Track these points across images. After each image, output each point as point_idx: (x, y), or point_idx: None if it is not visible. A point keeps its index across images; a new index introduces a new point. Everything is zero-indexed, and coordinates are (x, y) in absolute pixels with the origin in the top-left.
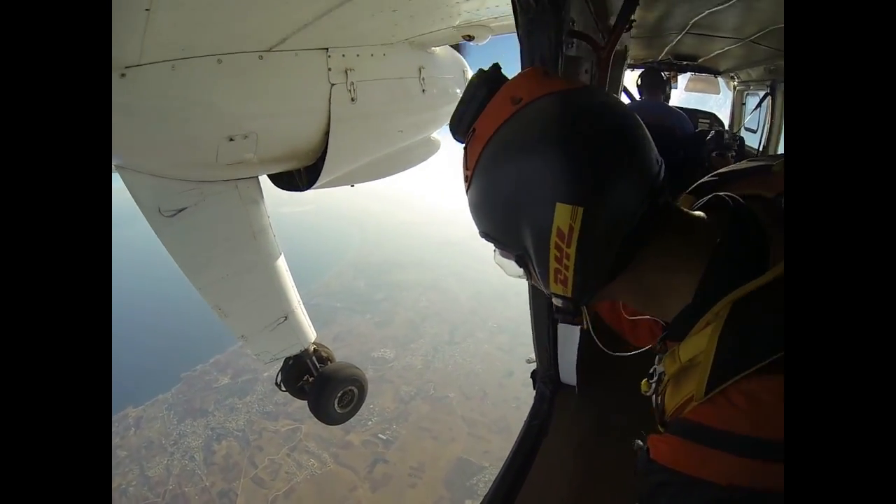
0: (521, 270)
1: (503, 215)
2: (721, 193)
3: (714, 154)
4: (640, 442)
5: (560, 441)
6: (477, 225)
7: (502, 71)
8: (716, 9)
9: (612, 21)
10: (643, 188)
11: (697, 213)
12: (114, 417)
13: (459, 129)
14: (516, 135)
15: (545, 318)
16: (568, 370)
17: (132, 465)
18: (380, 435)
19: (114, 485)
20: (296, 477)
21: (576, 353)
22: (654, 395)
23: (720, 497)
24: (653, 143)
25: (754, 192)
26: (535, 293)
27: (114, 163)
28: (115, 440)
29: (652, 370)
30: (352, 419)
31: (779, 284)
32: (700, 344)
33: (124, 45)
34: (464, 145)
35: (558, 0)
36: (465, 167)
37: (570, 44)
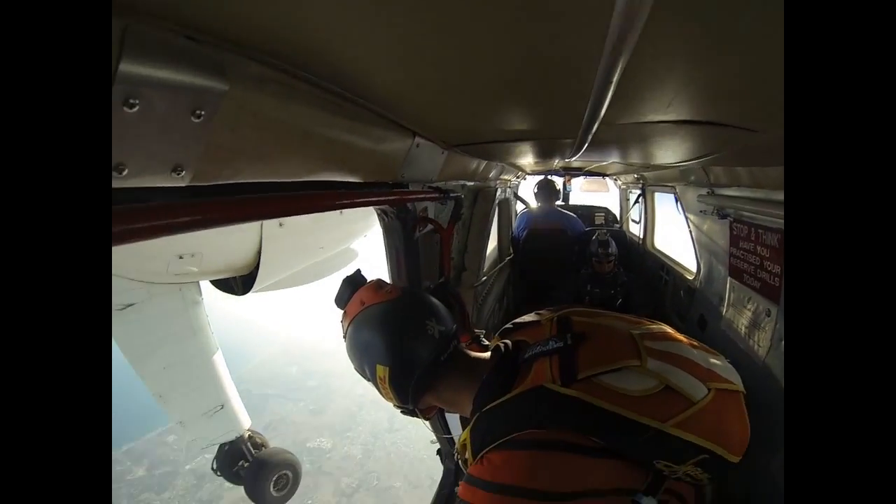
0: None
1: (357, 362)
2: (502, 341)
3: (594, 260)
4: (458, 488)
5: None
6: (351, 363)
7: (362, 272)
8: (575, 158)
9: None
10: (426, 353)
11: (484, 354)
12: None
13: (339, 306)
14: (361, 324)
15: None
16: None
17: None
18: None
19: None
20: None
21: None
22: (459, 460)
23: None
24: (436, 323)
25: (523, 339)
26: None
27: None
28: None
29: (454, 448)
30: None
31: (504, 402)
32: (465, 436)
33: None
34: (341, 316)
35: (402, 214)
36: (342, 329)
37: (424, 226)
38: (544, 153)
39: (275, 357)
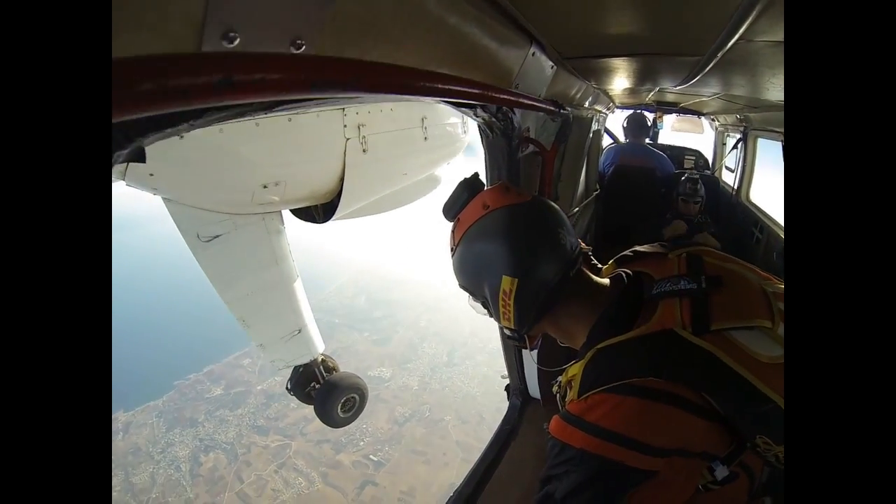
0: (485, 311)
1: (473, 277)
2: (623, 270)
3: (680, 199)
4: (548, 423)
5: (526, 443)
6: (457, 280)
7: (479, 176)
8: (682, 86)
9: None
10: (557, 268)
11: (604, 280)
12: None
13: (449, 215)
14: (484, 230)
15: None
16: (535, 386)
17: (117, 470)
18: (371, 456)
19: None
20: (282, 495)
21: (536, 372)
22: (558, 395)
23: (575, 455)
24: (566, 234)
25: (647, 271)
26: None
27: (163, 196)
28: None
29: (557, 379)
30: (344, 438)
31: (627, 341)
32: (576, 370)
33: None
34: (452, 226)
35: (508, 131)
36: (452, 241)
37: (526, 146)
38: (651, 76)
39: (345, 287)
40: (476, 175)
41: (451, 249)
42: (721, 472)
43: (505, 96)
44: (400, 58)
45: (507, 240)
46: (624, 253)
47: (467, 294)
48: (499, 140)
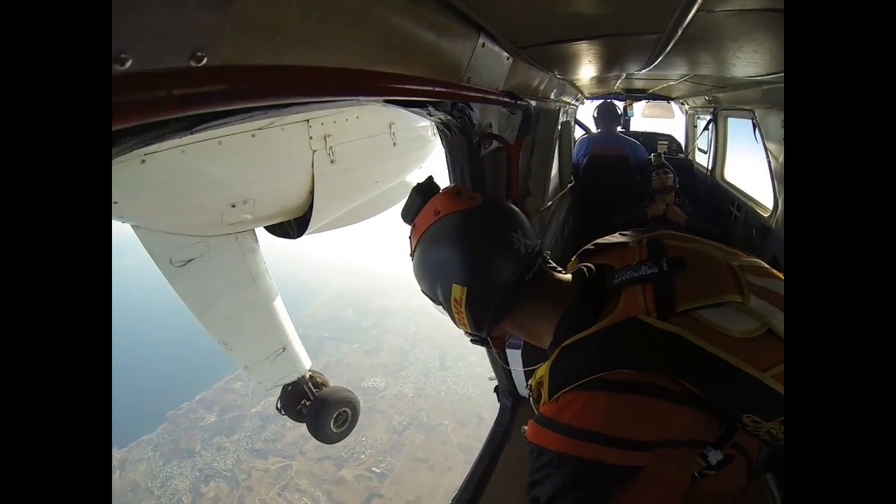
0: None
1: (429, 283)
2: (584, 265)
3: (654, 175)
4: (525, 428)
5: (520, 446)
6: (418, 284)
7: (434, 180)
8: (647, 69)
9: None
10: (508, 272)
11: (566, 276)
12: None
13: (406, 220)
14: (435, 236)
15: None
16: (523, 386)
17: None
18: (373, 468)
19: None
20: None
21: (524, 372)
22: (530, 398)
23: (553, 459)
24: (521, 237)
25: (609, 263)
26: None
27: (131, 224)
28: None
29: (527, 383)
30: (344, 453)
31: (591, 335)
32: (543, 371)
33: None
34: (409, 232)
35: (467, 128)
36: (410, 247)
37: (489, 143)
38: (615, 61)
39: (331, 300)
40: (430, 179)
41: (410, 255)
42: (714, 456)
43: (453, 90)
44: (321, 59)
45: (455, 247)
46: (586, 247)
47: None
48: (458, 139)
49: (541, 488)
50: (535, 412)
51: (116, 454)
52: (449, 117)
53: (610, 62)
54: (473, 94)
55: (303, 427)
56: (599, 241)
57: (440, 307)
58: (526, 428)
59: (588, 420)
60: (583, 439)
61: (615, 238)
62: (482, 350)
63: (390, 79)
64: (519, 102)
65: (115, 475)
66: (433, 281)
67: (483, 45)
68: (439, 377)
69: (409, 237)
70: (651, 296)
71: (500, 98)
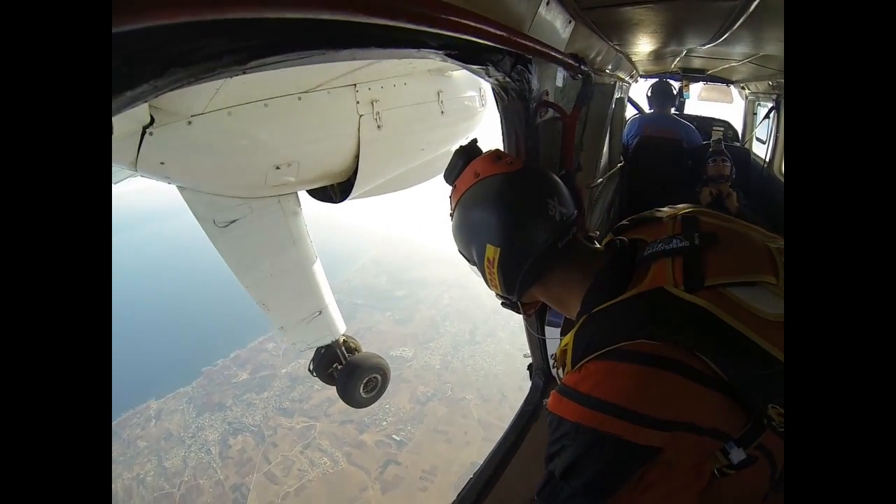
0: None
1: (465, 243)
2: (617, 238)
3: (710, 161)
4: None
5: (547, 425)
6: (455, 244)
7: (477, 142)
8: (710, 45)
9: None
10: (543, 238)
11: (598, 247)
12: (135, 410)
13: (448, 181)
14: (473, 198)
15: (534, 319)
16: None
17: (151, 455)
18: (394, 436)
19: (132, 474)
20: (307, 475)
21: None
22: (554, 368)
23: (570, 429)
24: (557, 204)
25: (641, 237)
26: None
27: (176, 185)
28: (136, 431)
29: (552, 353)
30: (367, 419)
31: (615, 304)
32: (568, 340)
33: (192, 102)
34: (450, 192)
35: (524, 93)
36: (450, 208)
37: (545, 111)
38: (680, 32)
39: (366, 267)
40: (473, 141)
41: (450, 216)
42: (736, 454)
43: (524, 41)
44: None
45: (492, 209)
46: (621, 222)
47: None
48: (515, 103)
49: (556, 461)
50: (558, 382)
51: (153, 404)
52: (507, 79)
53: (673, 33)
54: (539, 47)
55: (329, 390)
56: (635, 216)
57: (474, 268)
58: (546, 401)
59: (608, 391)
60: (601, 411)
61: (650, 214)
62: (512, 327)
63: (455, 11)
64: (583, 67)
65: (151, 424)
66: (469, 241)
67: (548, 2)
68: (467, 351)
69: (450, 197)
70: (679, 267)
71: (566, 59)
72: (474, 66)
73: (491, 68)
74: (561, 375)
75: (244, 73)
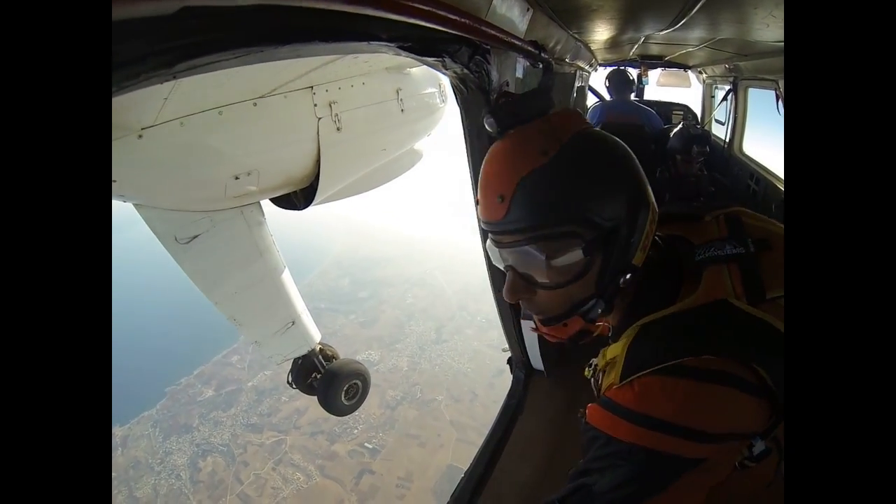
0: (542, 260)
1: (573, 203)
2: (656, 234)
3: (679, 158)
4: (583, 410)
5: (534, 417)
6: (533, 217)
7: None
8: (667, 30)
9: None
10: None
11: None
12: None
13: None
14: (610, 145)
15: (509, 312)
16: (536, 357)
17: (121, 486)
18: (366, 444)
19: None
20: (282, 492)
21: (537, 343)
22: (592, 379)
23: (623, 450)
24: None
25: (683, 235)
26: (497, 289)
27: (133, 202)
28: None
29: (591, 362)
30: (337, 428)
31: (675, 315)
32: (618, 350)
33: (140, 114)
34: (532, 129)
35: (484, 85)
36: (541, 152)
37: None
38: (638, 19)
39: (328, 270)
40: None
41: (544, 154)
42: (759, 447)
43: (483, 27)
44: None
45: (634, 169)
46: None
47: (492, 243)
48: (475, 96)
49: (598, 477)
50: (596, 393)
51: (118, 431)
52: (466, 70)
53: (631, 19)
54: (498, 34)
55: (297, 402)
56: (668, 209)
57: (535, 250)
58: (583, 411)
59: (669, 410)
60: (661, 431)
61: (683, 209)
62: (479, 323)
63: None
64: (543, 55)
65: (117, 452)
66: (592, 199)
67: None
68: (435, 351)
69: (541, 133)
70: (738, 278)
71: (526, 46)
72: (430, 59)
73: (448, 60)
74: (601, 383)
75: (174, 77)
